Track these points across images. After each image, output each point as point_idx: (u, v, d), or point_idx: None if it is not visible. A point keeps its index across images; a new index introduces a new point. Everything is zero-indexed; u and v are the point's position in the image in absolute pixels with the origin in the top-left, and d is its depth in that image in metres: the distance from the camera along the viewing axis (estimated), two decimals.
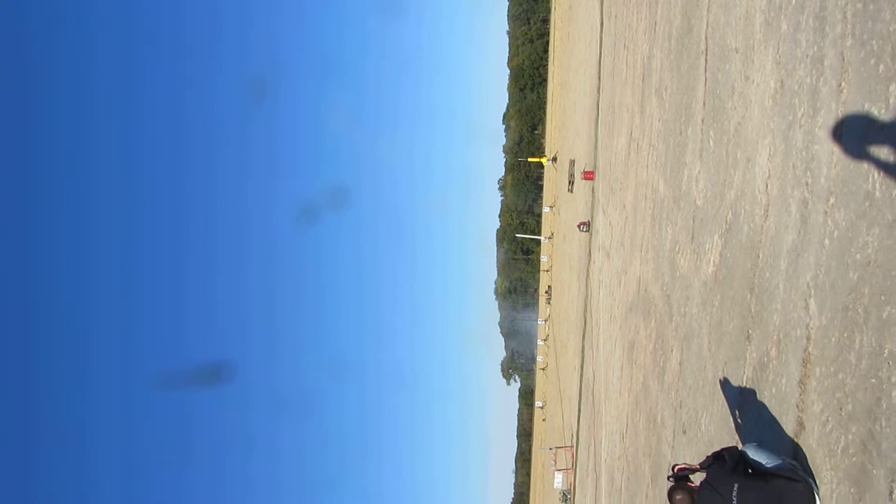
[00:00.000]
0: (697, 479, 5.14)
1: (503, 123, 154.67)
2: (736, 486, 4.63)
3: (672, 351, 9.63)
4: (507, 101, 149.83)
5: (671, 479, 5.18)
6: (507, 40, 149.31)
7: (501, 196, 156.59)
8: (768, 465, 4.68)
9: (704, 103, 8.31)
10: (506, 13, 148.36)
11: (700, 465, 5.07)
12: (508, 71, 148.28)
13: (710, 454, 5.08)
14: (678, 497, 4.99)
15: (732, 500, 4.61)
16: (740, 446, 5.17)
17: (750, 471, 4.75)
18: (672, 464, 6.22)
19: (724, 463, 4.86)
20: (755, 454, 4.79)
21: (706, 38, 8.26)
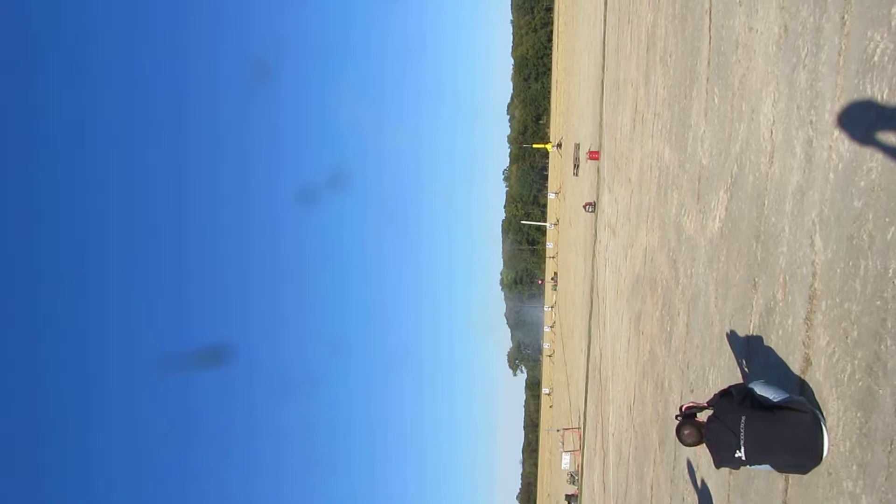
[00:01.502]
0: (705, 417, 5.20)
1: (507, 114, 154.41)
2: (743, 418, 4.68)
3: (679, 314, 9.67)
4: (512, 91, 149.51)
5: (679, 417, 5.24)
6: (510, 30, 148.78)
7: (506, 187, 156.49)
8: (775, 400, 4.73)
9: (709, 62, 8.32)
10: (509, 3, 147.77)
11: (708, 402, 5.12)
12: (512, 61, 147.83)
13: (717, 392, 5.14)
14: (686, 432, 5.05)
15: (740, 432, 4.67)
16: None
17: (757, 405, 4.81)
18: (680, 404, 6.28)
19: (731, 398, 4.92)
20: (762, 390, 4.85)
21: None
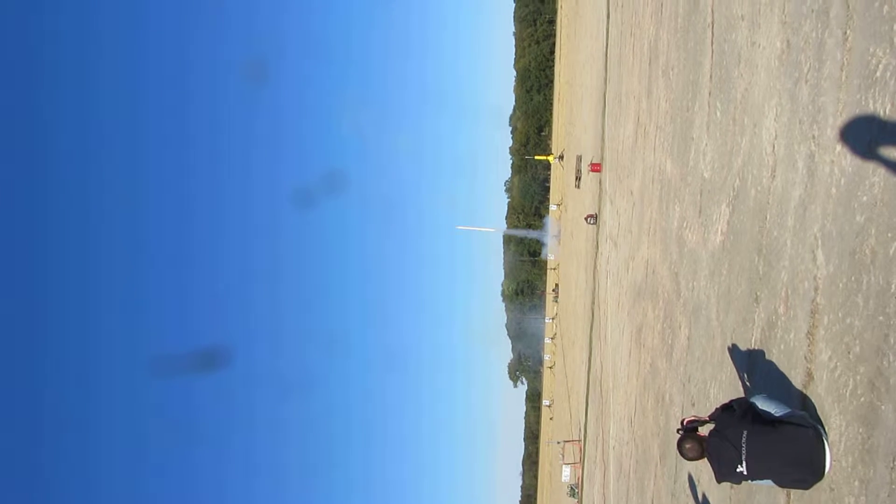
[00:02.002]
0: (707, 431, 5.17)
1: (509, 125, 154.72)
2: (745, 433, 4.66)
3: (680, 328, 9.65)
4: (514, 102, 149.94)
5: (680, 431, 5.21)
6: (513, 42, 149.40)
7: (508, 198, 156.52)
8: (777, 414, 4.71)
9: (711, 76, 8.35)
10: (512, 15, 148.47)
11: (709, 416, 5.10)
12: (515, 73, 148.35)
13: (718, 406, 5.12)
14: (687, 446, 5.03)
15: (741, 447, 4.64)
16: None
17: (759, 420, 4.79)
18: (681, 418, 6.25)
19: (733, 412, 4.90)
20: (764, 404, 4.83)
21: (712, 11, 8.31)
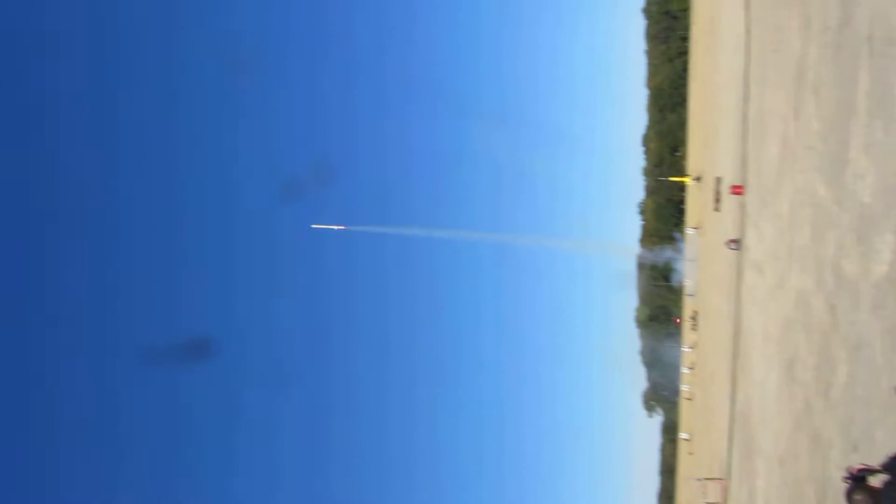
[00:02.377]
0: (878, 481, 4.74)
1: (643, 145, 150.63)
2: None
3: (839, 363, 8.93)
4: (647, 122, 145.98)
5: (848, 480, 4.81)
6: (645, 60, 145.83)
7: (642, 221, 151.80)
8: None
9: (869, 93, 7.77)
10: (643, 32, 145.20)
11: (881, 465, 4.68)
12: (647, 91, 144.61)
13: (892, 455, 4.68)
14: (858, 497, 4.62)
15: None
16: None
17: None
18: (848, 465, 5.77)
19: None
20: None
21: (870, 23, 7.74)
